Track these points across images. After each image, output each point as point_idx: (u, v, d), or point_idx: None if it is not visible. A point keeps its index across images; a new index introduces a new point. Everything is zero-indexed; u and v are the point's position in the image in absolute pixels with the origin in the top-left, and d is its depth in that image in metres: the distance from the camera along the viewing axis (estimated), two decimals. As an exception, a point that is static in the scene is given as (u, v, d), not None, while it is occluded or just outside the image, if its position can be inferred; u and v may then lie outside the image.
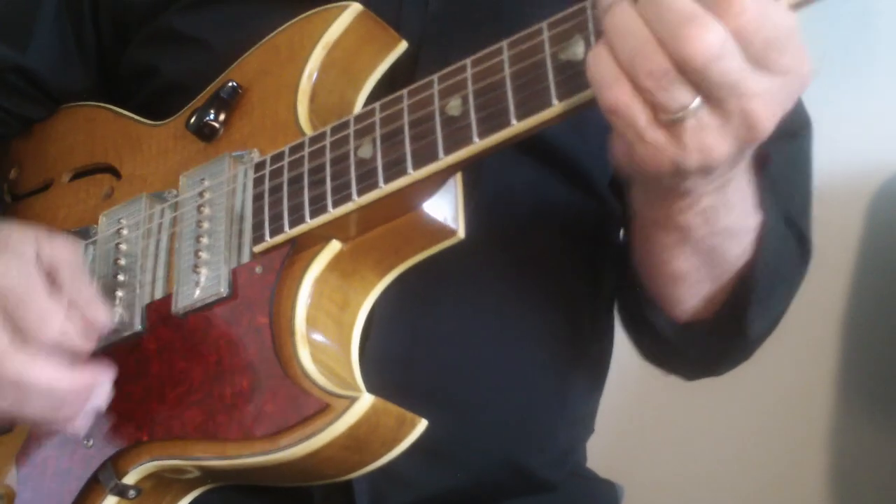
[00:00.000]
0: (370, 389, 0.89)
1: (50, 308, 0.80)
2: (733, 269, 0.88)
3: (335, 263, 0.82)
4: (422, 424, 0.77)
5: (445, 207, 0.81)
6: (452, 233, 0.81)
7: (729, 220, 0.82)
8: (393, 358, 0.92)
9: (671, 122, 0.65)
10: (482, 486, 0.98)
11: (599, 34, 0.67)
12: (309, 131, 0.87)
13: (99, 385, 0.82)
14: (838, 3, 1.28)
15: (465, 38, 0.98)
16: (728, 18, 0.62)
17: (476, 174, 0.89)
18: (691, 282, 0.89)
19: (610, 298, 1.11)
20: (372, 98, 0.93)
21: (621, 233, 1.08)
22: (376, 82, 0.94)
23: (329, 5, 0.94)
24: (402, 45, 0.95)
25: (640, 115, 0.65)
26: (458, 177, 0.83)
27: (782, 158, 0.99)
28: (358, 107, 0.93)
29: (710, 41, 0.61)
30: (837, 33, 1.35)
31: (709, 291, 0.90)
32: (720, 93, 0.63)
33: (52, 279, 0.82)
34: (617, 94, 0.65)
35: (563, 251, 1.02)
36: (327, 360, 0.80)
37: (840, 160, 1.40)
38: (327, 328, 0.82)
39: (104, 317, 0.82)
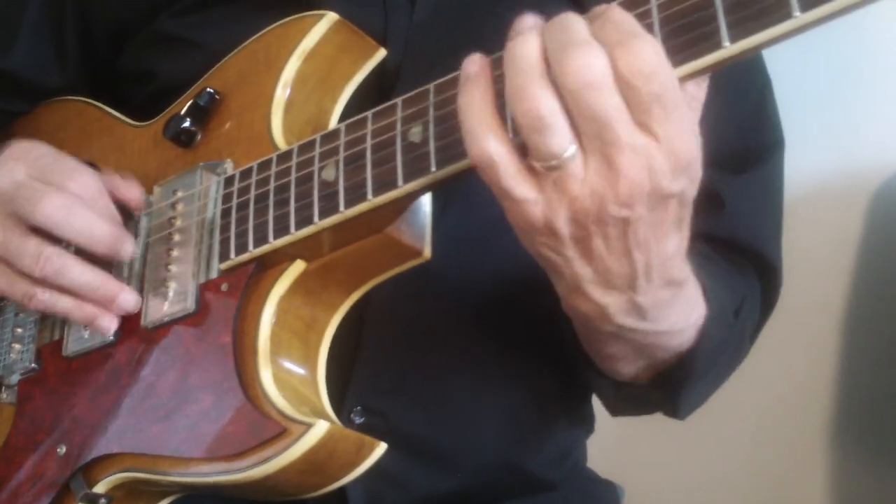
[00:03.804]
0: (363, 392, 0.91)
1: (80, 167, 0.89)
2: (673, 356, 0.85)
3: (301, 282, 0.82)
4: (380, 448, 0.77)
5: (412, 229, 0.80)
6: (418, 253, 0.81)
7: (661, 325, 0.78)
8: (385, 361, 0.93)
9: (542, 170, 0.63)
10: (479, 487, 0.98)
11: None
12: (282, 144, 0.86)
13: (129, 241, 0.88)
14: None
15: (451, 48, 0.97)
16: (620, 55, 0.60)
17: (448, 191, 0.88)
18: (625, 361, 0.86)
19: None
20: (352, 106, 0.92)
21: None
22: (362, 91, 0.93)
23: (305, 14, 0.93)
24: (381, 53, 0.94)
25: (506, 166, 0.64)
26: (427, 196, 0.82)
27: (748, 190, 0.97)
28: (335, 115, 0.92)
29: (591, 66, 0.60)
30: (837, 33, 1.31)
31: (645, 366, 0.87)
32: (589, 129, 0.61)
33: None
34: (483, 142, 0.63)
35: None
36: (291, 380, 0.80)
37: (840, 160, 1.38)
38: (292, 347, 0.81)
39: (136, 193, 0.91)
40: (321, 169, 0.78)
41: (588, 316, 0.75)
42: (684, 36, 0.61)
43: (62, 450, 0.89)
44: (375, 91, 0.95)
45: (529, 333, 1.00)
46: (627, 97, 0.61)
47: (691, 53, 0.61)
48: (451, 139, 0.70)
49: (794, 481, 1.51)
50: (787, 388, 1.48)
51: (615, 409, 1.04)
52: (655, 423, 1.12)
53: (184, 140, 0.94)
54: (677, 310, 0.78)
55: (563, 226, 0.65)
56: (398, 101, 0.75)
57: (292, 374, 0.80)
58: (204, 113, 0.94)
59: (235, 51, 0.96)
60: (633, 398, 0.95)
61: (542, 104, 0.61)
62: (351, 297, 0.85)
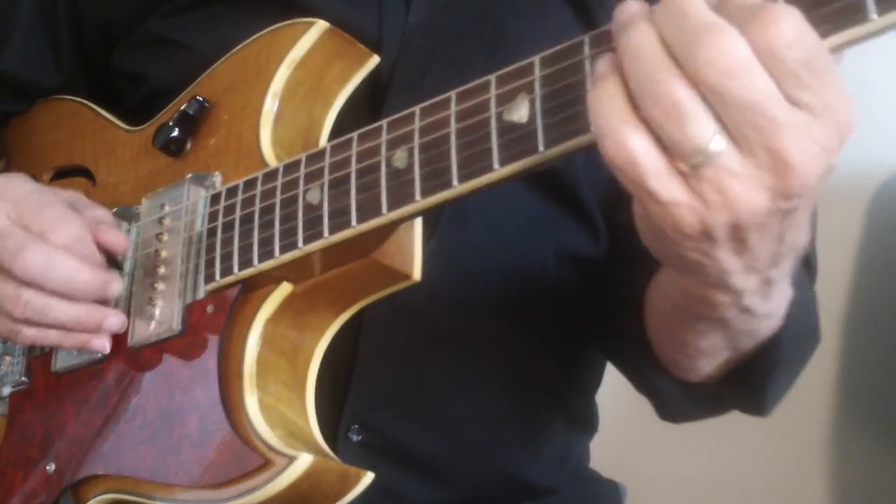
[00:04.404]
0: (360, 409, 0.91)
1: (64, 215, 0.86)
2: (755, 346, 0.80)
3: (288, 304, 0.80)
4: (367, 478, 0.76)
5: (401, 252, 0.78)
6: (407, 277, 0.79)
7: (768, 308, 0.72)
8: (382, 377, 0.92)
9: (689, 170, 0.55)
10: (478, 498, 0.98)
11: (546, 97, 0.64)
12: (270, 158, 0.85)
13: (115, 282, 0.85)
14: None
15: (446, 52, 0.95)
16: (757, 29, 0.53)
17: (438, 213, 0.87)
18: (712, 355, 0.81)
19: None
20: (346, 111, 0.91)
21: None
22: (355, 96, 0.91)
23: (295, 21, 0.91)
24: (374, 60, 0.92)
25: (650, 165, 0.55)
26: (418, 218, 0.81)
27: None
28: (328, 124, 0.90)
29: (730, 51, 0.53)
30: None
31: (724, 361, 0.83)
32: (740, 120, 0.54)
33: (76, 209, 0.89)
34: (622, 140, 0.55)
35: (556, 267, 1.00)
36: (277, 405, 0.79)
37: (840, 160, 1.36)
38: (280, 369, 0.80)
39: (120, 239, 0.88)
40: (306, 191, 0.76)
41: (714, 305, 0.68)
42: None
43: (51, 467, 0.88)
44: (369, 96, 0.93)
45: (525, 343, 0.99)
46: (773, 73, 0.53)
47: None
48: (436, 167, 0.68)
49: (794, 479, 1.50)
50: (788, 386, 1.48)
51: (676, 415, 0.99)
52: (657, 422, 1.12)
53: (173, 149, 0.92)
54: (781, 287, 0.71)
55: (723, 229, 0.57)
56: (384, 122, 0.73)
57: (279, 398, 0.79)
58: (193, 122, 0.92)
59: (225, 57, 0.94)
60: (705, 399, 0.91)
61: (676, 90, 0.54)
62: (340, 317, 0.83)
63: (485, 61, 0.95)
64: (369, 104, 0.93)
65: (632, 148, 0.55)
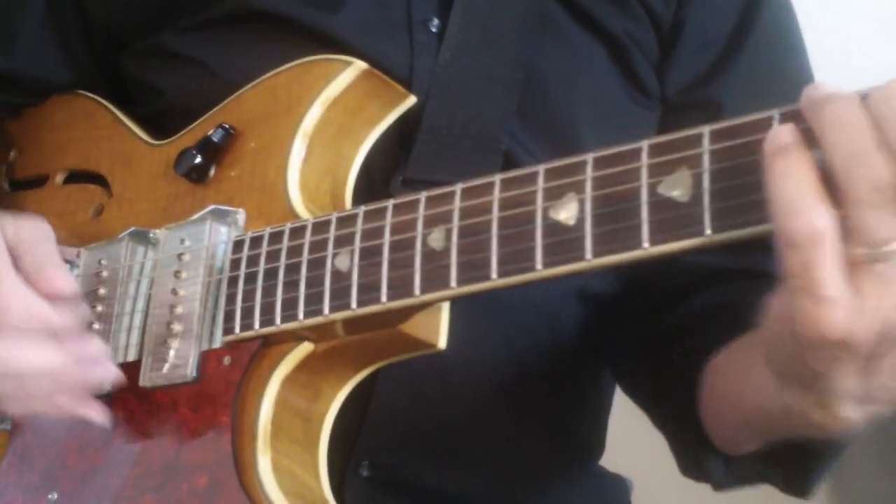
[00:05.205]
0: (372, 446, 0.89)
1: (9, 292, 0.76)
2: None
3: (306, 363, 0.78)
4: None
5: (428, 324, 0.75)
6: (432, 346, 0.77)
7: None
8: (396, 415, 0.91)
9: (865, 260, 0.53)
10: None
11: (597, 201, 0.62)
12: (297, 204, 0.82)
13: (94, 347, 0.79)
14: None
15: (476, 93, 0.93)
16: None
17: None
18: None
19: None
20: (374, 149, 0.88)
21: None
22: (384, 132, 0.89)
23: (331, 56, 0.88)
24: (410, 101, 0.90)
25: (830, 249, 0.53)
26: None
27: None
28: (356, 164, 0.88)
29: None
30: (838, 31, 1.26)
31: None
32: None
33: (16, 256, 0.78)
34: (812, 215, 0.53)
35: (573, 305, 0.99)
36: (290, 465, 0.77)
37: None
38: (293, 428, 0.78)
39: (63, 284, 0.77)
40: (335, 256, 0.74)
41: (818, 429, 0.65)
42: None
43: (53, 496, 0.87)
44: (398, 131, 0.91)
45: (538, 382, 0.98)
46: None
47: None
48: (475, 258, 0.66)
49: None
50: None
51: (703, 479, 0.96)
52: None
53: (195, 177, 0.90)
54: None
55: (865, 338, 0.55)
56: (422, 196, 0.71)
57: (291, 458, 0.77)
58: (217, 149, 0.89)
59: (252, 84, 0.91)
60: (743, 475, 0.89)
61: (888, 173, 0.52)
62: (358, 375, 0.81)
63: (515, 104, 0.93)
64: (398, 141, 0.91)
65: (820, 225, 0.53)
